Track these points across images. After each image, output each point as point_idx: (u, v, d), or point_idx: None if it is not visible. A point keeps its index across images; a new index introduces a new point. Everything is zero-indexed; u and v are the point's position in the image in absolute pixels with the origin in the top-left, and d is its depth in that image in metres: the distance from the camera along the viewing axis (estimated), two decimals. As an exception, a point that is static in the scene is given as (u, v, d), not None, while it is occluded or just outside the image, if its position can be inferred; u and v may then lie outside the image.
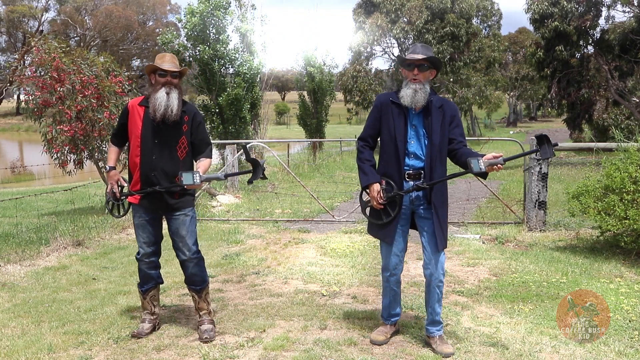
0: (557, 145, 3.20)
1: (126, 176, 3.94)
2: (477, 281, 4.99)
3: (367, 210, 3.66)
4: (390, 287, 3.69)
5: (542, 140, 3.22)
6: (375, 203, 3.50)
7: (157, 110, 3.59)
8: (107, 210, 4.02)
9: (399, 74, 26.76)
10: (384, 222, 3.54)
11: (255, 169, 3.59)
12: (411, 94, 3.40)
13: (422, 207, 3.51)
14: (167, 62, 3.67)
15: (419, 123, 3.47)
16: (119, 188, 3.87)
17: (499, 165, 3.20)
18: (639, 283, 4.81)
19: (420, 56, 3.41)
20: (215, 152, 15.68)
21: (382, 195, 3.48)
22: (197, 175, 3.52)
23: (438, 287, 3.54)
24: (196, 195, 8.68)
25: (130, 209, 3.90)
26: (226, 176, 3.79)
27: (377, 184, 3.50)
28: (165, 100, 3.59)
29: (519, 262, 5.53)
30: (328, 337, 3.74)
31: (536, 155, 3.35)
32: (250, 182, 3.69)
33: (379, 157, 3.60)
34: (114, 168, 3.89)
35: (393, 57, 28.21)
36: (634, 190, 5.51)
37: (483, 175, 3.32)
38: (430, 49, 3.53)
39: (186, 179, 3.51)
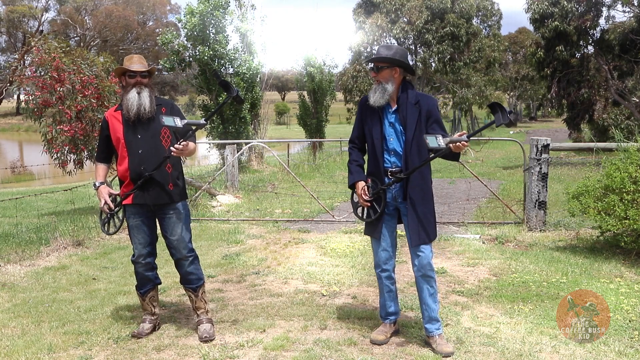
0: (512, 112, 3.17)
1: (116, 189, 3.94)
2: (477, 281, 4.99)
3: (359, 210, 3.72)
4: (383, 284, 3.72)
5: (496, 107, 3.20)
6: (361, 200, 3.59)
7: (130, 110, 3.66)
8: (101, 228, 4.01)
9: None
10: (372, 219, 3.61)
11: (228, 88, 3.61)
12: (371, 95, 3.52)
13: (402, 203, 3.57)
14: (135, 62, 3.76)
15: (395, 120, 3.54)
16: (111, 199, 3.83)
17: (462, 142, 3.19)
18: (639, 283, 4.81)
19: (379, 57, 3.50)
20: (215, 152, 15.72)
21: (366, 191, 3.56)
22: (177, 118, 3.52)
23: (426, 282, 3.54)
24: (195, 195, 8.72)
25: (124, 224, 3.88)
26: (207, 119, 3.73)
27: (362, 181, 3.60)
28: (137, 99, 3.67)
29: (519, 262, 5.53)
30: (328, 337, 3.74)
31: (494, 124, 3.29)
32: (227, 101, 3.70)
33: (367, 157, 3.69)
34: (103, 183, 3.89)
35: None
36: (634, 190, 5.51)
37: (452, 156, 3.35)
38: (393, 48, 3.55)
39: (167, 120, 3.49)
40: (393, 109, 3.54)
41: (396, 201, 3.59)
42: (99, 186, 3.87)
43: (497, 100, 37.97)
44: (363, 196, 3.57)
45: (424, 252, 3.52)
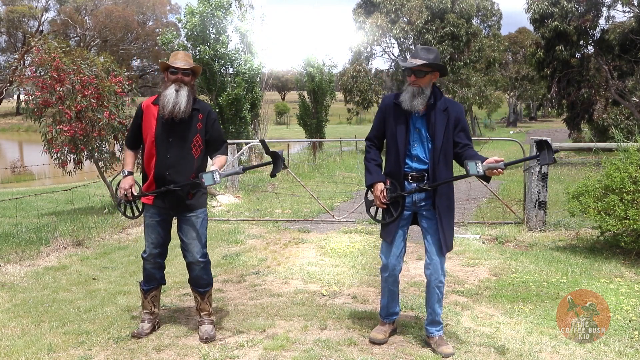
0: (557, 151, 3.17)
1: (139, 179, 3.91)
2: (477, 281, 4.99)
3: (372, 209, 3.68)
4: (388, 287, 3.71)
5: (543, 145, 3.19)
6: (378, 202, 3.52)
7: (166, 107, 3.57)
8: (120, 212, 3.96)
9: (399, 74, 26.79)
10: (387, 222, 3.55)
11: (276, 161, 3.58)
12: (409, 99, 3.39)
13: (425, 209, 3.51)
14: (180, 59, 3.66)
15: (422, 126, 3.45)
16: (131, 191, 3.77)
17: (499, 169, 3.18)
18: (639, 283, 4.81)
19: (418, 62, 3.36)
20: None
21: (385, 194, 3.49)
22: (217, 173, 3.48)
23: (438, 288, 3.54)
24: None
25: (143, 220, 3.86)
26: (244, 169, 3.73)
27: (381, 183, 3.51)
28: (174, 97, 3.56)
29: (519, 262, 5.53)
30: (328, 337, 3.74)
31: (537, 161, 3.29)
32: (273, 174, 3.65)
33: (385, 158, 3.61)
34: (131, 173, 3.82)
35: (393, 57, 28.22)
36: (634, 190, 5.51)
37: (484, 178, 3.31)
38: (433, 51, 3.44)
39: (207, 179, 3.46)
40: (421, 114, 3.44)
41: (415, 206, 3.53)
42: (126, 175, 3.79)
43: (497, 100, 37.91)
44: (381, 199, 3.49)
45: (441, 259, 3.50)
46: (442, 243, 3.46)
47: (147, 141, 3.68)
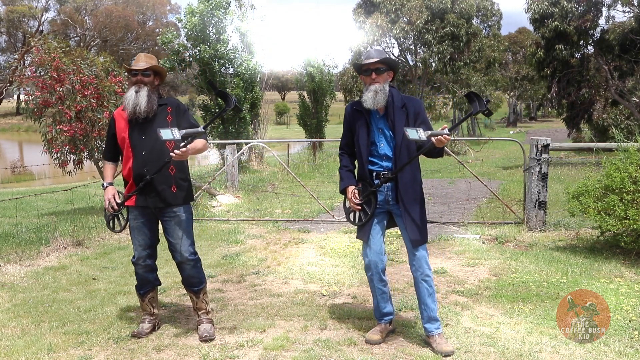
0: (489, 101, 3.20)
1: (120, 188, 3.92)
2: (477, 281, 4.99)
3: (351, 215, 3.73)
4: (375, 286, 3.73)
5: (472, 97, 3.23)
6: (352, 204, 3.60)
7: (127, 109, 3.64)
8: (107, 226, 3.99)
9: (399, 74, 26.77)
10: (364, 222, 3.61)
11: (226, 99, 3.60)
12: (372, 96, 3.47)
13: (394, 205, 3.57)
14: (140, 61, 3.72)
15: (384, 125, 3.54)
16: (115, 200, 3.80)
17: (444, 135, 3.21)
18: (639, 283, 4.81)
19: (375, 60, 3.48)
20: (215, 152, 15.72)
21: (356, 195, 3.57)
22: (176, 130, 3.46)
23: (426, 282, 3.56)
24: (195, 195, 8.72)
25: (128, 223, 3.87)
26: (205, 127, 3.64)
27: (352, 186, 3.62)
28: (134, 98, 3.62)
29: (519, 262, 5.53)
30: (328, 337, 3.74)
31: (471, 112, 3.31)
32: (224, 111, 3.67)
33: (357, 163, 3.70)
34: (111, 184, 3.87)
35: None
36: (634, 190, 5.51)
37: (436, 153, 3.39)
38: (384, 52, 3.61)
39: (165, 134, 3.43)
40: (381, 114, 3.55)
41: (388, 204, 3.59)
42: (107, 186, 3.84)
43: (497, 100, 37.87)
44: (354, 199, 3.58)
45: (421, 252, 3.54)
46: (412, 235, 3.49)
47: (124, 146, 3.72)
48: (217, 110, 14.56)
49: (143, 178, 3.65)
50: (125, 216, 3.90)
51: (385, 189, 3.55)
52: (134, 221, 3.77)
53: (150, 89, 3.69)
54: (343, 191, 3.68)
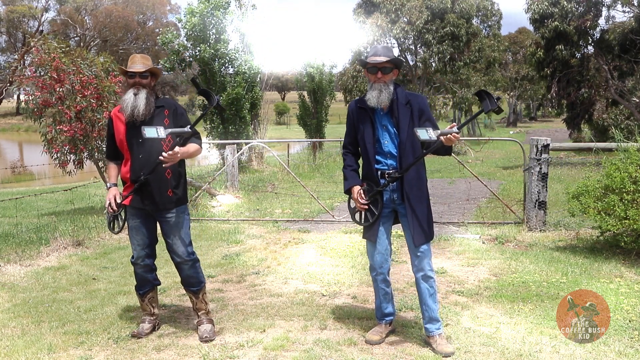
0: (499, 98, 3.19)
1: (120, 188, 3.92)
2: (477, 281, 4.99)
3: (356, 215, 3.71)
4: (378, 287, 3.72)
5: (483, 95, 3.21)
6: (358, 205, 3.57)
7: (125, 111, 3.62)
8: (107, 227, 3.99)
9: (399, 74, 26.76)
10: (370, 222, 3.59)
11: (208, 97, 3.61)
12: (376, 95, 3.45)
13: (400, 204, 3.55)
14: (136, 63, 3.69)
15: (388, 122, 3.52)
16: (115, 201, 3.79)
17: (453, 134, 3.20)
18: (639, 283, 4.81)
19: (383, 59, 3.44)
20: (215, 152, 15.72)
21: (362, 195, 3.54)
22: (161, 128, 3.43)
23: (426, 282, 3.55)
24: (195, 195, 8.72)
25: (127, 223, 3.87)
26: (192, 127, 3.65)
27: (358, 186, 3.58)
28: (132, 100, 3.60)
29: (519, 262, 5.53)
30: (328, 337, 3.74)
31: (482, 109, 3.30)
32: (206, 109, 3.67)
33: (362, 161, 3.67)
34: (115, 185, 3.86)
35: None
36: (634, 190, 5.51)
37: (444, 150, 3.35)
38: (391, 50, 3.55)
39: (148, 132, 3.40)
40: (385, 111, 3.52)
41: (394, 203, 3.57)
42: (110, 187, 3.83)
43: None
44: (360, 200, 3.54)
45: (423, 252, 3.52)
46: (416, 234, 3.47)
47: (123, 148, 3.71)
48: (216, 110, 14.55)
49: (139, 180, 3.64)
50: (123, 217, 3.90)
51: (390, 188, 3.52)
52: (132, 221, 3.77)
53: (149, 90, 3.67)
54: (348, 191, 3.64)
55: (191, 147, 3.67)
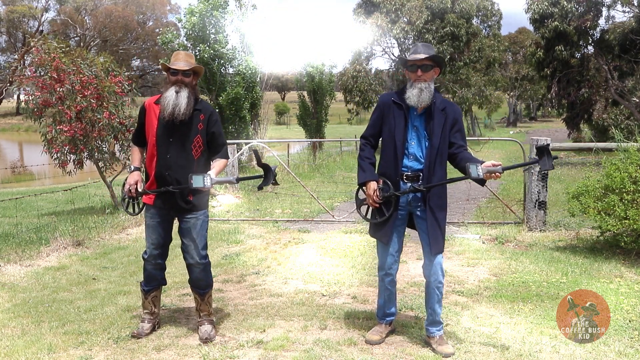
0: (557, 158, 3.19)
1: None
2: (477, 281, 4.99)
3: (362, 208, 3.66)
4: (385, 287, 3.71)
5: (543, 151, 3.21)
6: (371, 201, 3.51)
7: (166, 109, 3.56)
8: (123, 208, 3.97)
9: (399, 74, 26.78)
10: (377, 222, 3.55)
11: (267, 174, 3.57)
12: (417, 94, 3.37)
13: (419, 209, 3.51)
14: (180, 60, 3.65)
15: (420, 124, 3.45)
16: (136, 188, 3.77)
17: (497, 173, 3.20)
18: (639, 283, 4.81)
19: (422, 56, 3.39)
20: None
21: (378, 194, 3.47)
22: (208, 177, 3.46)
23: (437, 288, 3.54)
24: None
25: (144, 221, 3.86)
26: (238, 180, 3.69)
27: (374, 182, 3.50)
28: (174, 99, 3.55)
29: (519, 262, 5.53)
30: (328, 337, 3.74)
31: (536, 166, 3.32)
32: (260, 187, 3.62)
33: (380, 157, 3.58)
34: (138, 169, 3.83)
35: (393, 57, 28.22)
36: (634, 190, 5.51)
37: (481, 182, 3.31)
38: (432, 47, 3.50)
39: (196, 181, 3.43)
40: (419, 112, 3.44)
41: (410, 205, 3.52)
42: (133, 170, 3.81)
43: (497, 100, 37.83)
44: (374, 197, 3.48)
45: (438, 259, 3.50)
46: (434, 243, 3.45)
47: (149, 141, 3.69)
48: (217, 109, 14.55)
49: (164, 181, 3.62)
50: (140, 204, 3.88)
51: (411, 195, 3.46)
52: (150, 220, 3.76)
53: (190, 90, 3.63)
54: (363, 184, 3.55)
55: (221, 164, 3.71)
